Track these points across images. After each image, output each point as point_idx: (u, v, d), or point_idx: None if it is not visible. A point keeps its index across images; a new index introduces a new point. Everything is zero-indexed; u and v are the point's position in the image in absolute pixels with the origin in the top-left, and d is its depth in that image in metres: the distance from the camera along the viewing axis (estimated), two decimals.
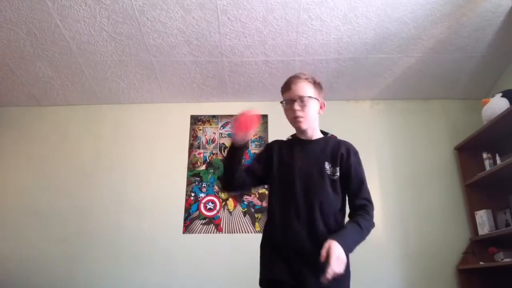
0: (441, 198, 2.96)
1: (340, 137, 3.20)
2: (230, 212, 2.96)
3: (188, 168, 3.09)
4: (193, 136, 3.20)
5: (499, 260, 2.55)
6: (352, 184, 1.46)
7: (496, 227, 2.67)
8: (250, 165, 1.59)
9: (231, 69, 2.95)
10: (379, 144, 3.11)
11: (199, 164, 3.10)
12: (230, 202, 2.99)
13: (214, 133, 3.21)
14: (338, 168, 1.47)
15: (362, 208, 1.43)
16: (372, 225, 1.42)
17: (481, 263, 2.60)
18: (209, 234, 2.90)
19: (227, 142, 3.17)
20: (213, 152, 3.14)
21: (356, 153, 1.53)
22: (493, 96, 2.65)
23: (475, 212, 2.78)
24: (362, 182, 1.47)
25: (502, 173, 2.56)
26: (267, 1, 2.43)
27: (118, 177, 3.05)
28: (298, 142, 1.57)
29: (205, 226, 2.92)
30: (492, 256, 2.63)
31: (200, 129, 3.22)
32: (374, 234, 3.14)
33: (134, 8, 2.45)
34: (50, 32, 2.59)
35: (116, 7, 2.44)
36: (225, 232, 2.90)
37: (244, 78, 3.04)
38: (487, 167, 2.69)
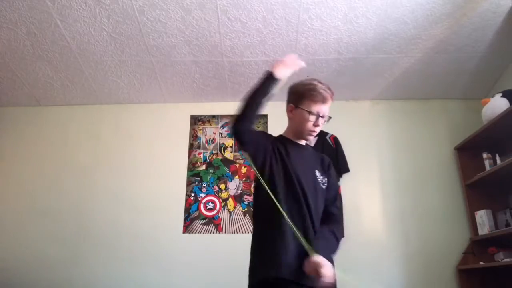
0: (441, 198, 2.96)
1: (340, 137, 3.20)
2: (230, 212, 2.96)
3: (188, 168, 3.09)
4: (193, 136, 3.20)
5: (499, 260, 2.55)
6: (331, 192, 1.56)
7: (496, 227, 2.67)
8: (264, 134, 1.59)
9: (231, 69, 2.95)
10: (379, 144, 3.11)
11: (199, 164, 3.10)
12: (230, 202, 2.99)
13: (214, 133, 3.20)
14: (326, 179, 1.56)
15: (336, 218, 1.54)
16: (343, 235, 1.56)
17: (481, 263, 2.60)
18: (209, 234, 2.90)
19: (227, 142, 3.17)
20: (213, 152, 3.14)
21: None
22: (493, 96, 2.65)
23: (475, 212, 2.78)
24: (337, 191, 1.59)
25: (502, 173, 2.56)
26: (267, 1, 2.43)
27: (118, 177, 3.05)
28: (290, 142, 1.58)
29: (205, 226, 2.92)
30: (492, 256, 2.63)
31: (200, 129, 3.22)
32: (374, 234, 3.15)
33: (134, 8, 2.45)
34: (50, 32, 2.59)
35: (116, 7, 2.44)
36: (225, 232, 2.90)
37: (244, 78, 3.03)
38: (487, 167, 2.70)
